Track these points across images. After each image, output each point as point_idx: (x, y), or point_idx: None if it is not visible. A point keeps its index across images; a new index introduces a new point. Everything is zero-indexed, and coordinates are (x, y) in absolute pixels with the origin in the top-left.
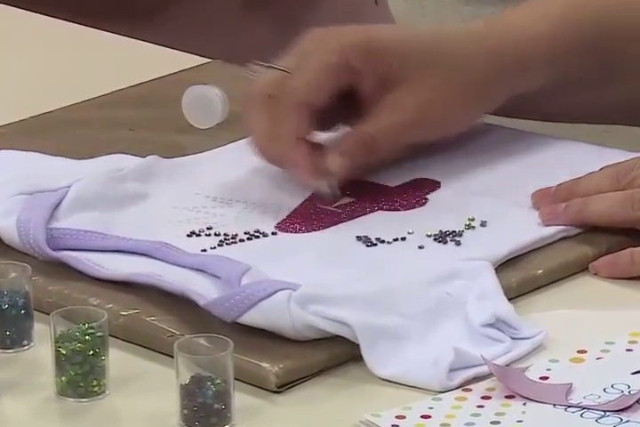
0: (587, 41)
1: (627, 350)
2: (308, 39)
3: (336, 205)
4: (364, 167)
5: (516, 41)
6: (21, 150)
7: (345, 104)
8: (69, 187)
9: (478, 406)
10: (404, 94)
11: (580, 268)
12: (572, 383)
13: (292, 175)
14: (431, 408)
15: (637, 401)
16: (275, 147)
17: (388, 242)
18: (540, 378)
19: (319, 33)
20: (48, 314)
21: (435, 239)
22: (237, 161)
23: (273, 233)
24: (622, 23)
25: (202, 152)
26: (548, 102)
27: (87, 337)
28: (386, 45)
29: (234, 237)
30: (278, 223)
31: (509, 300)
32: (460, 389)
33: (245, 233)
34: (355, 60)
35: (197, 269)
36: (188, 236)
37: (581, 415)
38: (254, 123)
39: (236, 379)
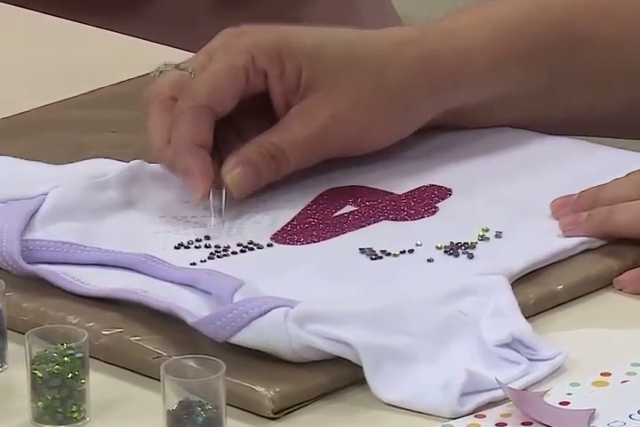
0: (531, 52)
1: None
2: (218, 38)
3: (338, 214)
4: (263, 183)
5: (449, 50)
6: None
7: (257, 114)
8: (46, 194)
9: None
10: (317, 103)
11: (604, 283)
12: (594, 409)
13: (184, 186)
14: None
15: None
16: (168, 154)
17: (395, 255)
18: (560, 403)
19: (231, 32)
20: (23, 333)
21: (445, 252)
22: None
23: (268, 245)
24: (584, 29)
25: None
26: (490, 116)
27: (66, 359)
28: (298, 47)
29: (226, 249)
30: (274, 234)
31: (527, 318)
32: (472, 415)
33: (238, 245)
34: (262, 61)
35: (186, 285)
36: (175, 248)
37: None
38: (152, 126)
39: (228, 404)
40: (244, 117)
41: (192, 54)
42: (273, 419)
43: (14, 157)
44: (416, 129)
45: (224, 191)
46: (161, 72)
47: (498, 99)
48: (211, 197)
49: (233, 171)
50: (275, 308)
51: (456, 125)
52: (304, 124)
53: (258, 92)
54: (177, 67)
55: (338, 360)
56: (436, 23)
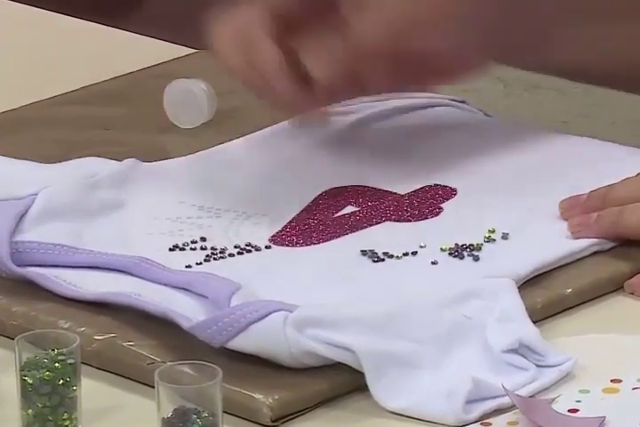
0: None
1: None
2: None
3: (338, 215)
4: (355, 83)
5: None
6: None
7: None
8: (36, 195)
9: None
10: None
11: (615, 286)
12: (604, 417)
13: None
14: None
15: None
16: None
17: (397, 257)
18: (569, 411)
19: None
20: (12, 339)
21: (450, 254)
22: (226, 165)
23: (267, 247)
24: None
25: (186, 155)
26: (558, 36)
27: (57, 365)
28: None
29: (222, 251)
30: (273, 236)
31: (534, 322)
32: (478, 423)
33: (235, 247)
34: None
35: (181, 288)
36: (170, 250)
37: None
38: (221, 37)
39: (224, 412)
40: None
41: (189, 49)
42: None
43: (2, 156)
44: (486, 61)
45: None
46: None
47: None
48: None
49: (319, 65)
50: (273, 312)
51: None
52: (376, 13)
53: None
54: None
55: (338, 366)
56: None
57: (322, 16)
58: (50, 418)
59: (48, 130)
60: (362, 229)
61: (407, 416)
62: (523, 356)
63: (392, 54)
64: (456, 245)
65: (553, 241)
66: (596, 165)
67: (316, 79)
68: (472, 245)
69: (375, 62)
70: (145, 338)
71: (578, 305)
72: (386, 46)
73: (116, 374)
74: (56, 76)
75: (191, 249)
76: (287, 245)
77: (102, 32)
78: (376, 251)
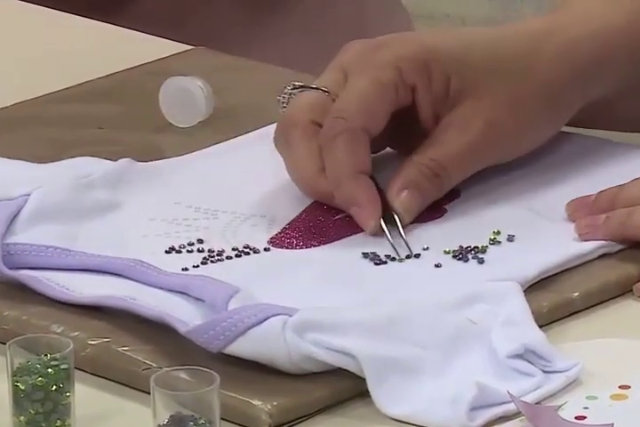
0: None
1: None
2: (348, 53)
3: (339, 216)
4: (430, 202)
5: (587, 35)
6: None
7: (392, 124)
8: (28, 195)
9: None
10: (469, 111)
11: (623, 290)
12: (612, 424)
13: (354, 218)
14: None
15: None
16: (325, 184)
17: (400, 259)
18: (576, 418)
19: (362, 45)
20: (4, 344)
21: (454, 256)
22: (224, 165)
23: (265, 249)
24: None
25: (183, 155)
26: (625, 106)
27: (49, 370)
28: (443, 54)
29: (220, 253)
30: (272, 238)
31: (540, 327)
32: None
33: (233, 249)
34: (410, 74)
35: (177, 292)
36: (166, 252)
37: None
38: (299, 154)
39: (222, 419)
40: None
41: (185, 46)
42: None
43: None
44: (563, 125)
45: (397, 218)
46: (290, 94)
47: (632, 90)
48: (384, 226)
49: (400, 196)
50: (272, 316)
51: (585, 125)
52: (460, 135)
53: (404, 107)
54: (308, 86)
55: (339, 372)
56: (567, 8)
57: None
58: (43, 425)
59: (40, 129)
60: (363, 231)
61: (410, 423)
62: (528, 361)
63: (469, 173)
64: (460, 247)
65: (560, 243)
66: (605, 165)
67: (395, 208)
68: (477, 247)
69: (452, 182)
70: (140, 343)
71: (585, 309)
72: (467, 170)
73: (111, 379)
74: (48, 74)
75: (188, 251)
76: (286, 248)
77: (96, 28)
78: (378, 253)
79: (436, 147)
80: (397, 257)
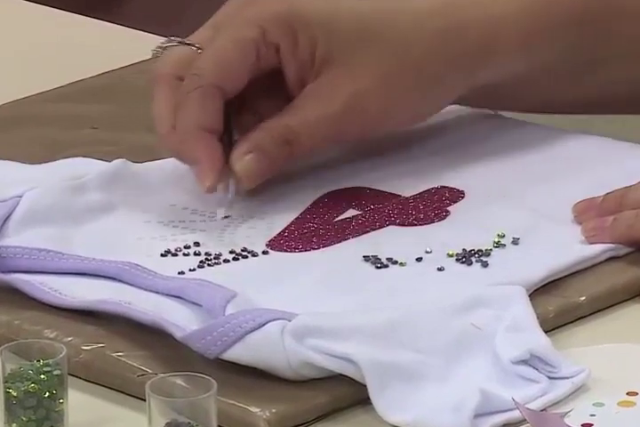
0: (568, 22)
1: None
2: (225, 7)
3: (339, 218)
4: (277, 170)
5: (478, 21)
6: None
7: (274, 93)
8: (20, 197)
9: None
10: (334, 80)
11: (631, 294)
12: None
13: (192, 174)
14: None
15: None
16: (174, 140)
17: (402, 263)
18: (583, 425)
19: (235, 2)
20: None
21: (457, 260)
22: None
23: (264, 252)
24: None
25: None
26: (522, 96)
27: (42, 376)
28: (311, 17)
29: (217, 256)
30: (270, 240)
31: (546, 332)
32: None
33: (231, 252)
34: (273, 34)
35: (173, 296)
36: (162, 255)
37: None
38: (156, 108)
39: (219, 426)
40: (258, 97)
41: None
42: None
43: None
44: (442, 108)
45: (231, 181)
46: (164, 48)
47: (530, 76)
48: (219, 188)
49: (243, 158)
50: (271, 321)
51: (483, 106)
52: (321, 105)
53: (270, 68)
54: (182, 42)
55: (339, 378)
56: None
57: (269, 96)
58: None
59: (32, 128)
60: (364, 233)
61: None
62: (534, 367)
63: (328, 144)
64: (464, 250)
65: (566, 246)
66: (613, 165)
67: (235, 170)
68: (480, 250)
69: (303, 151)
70: (135, 348)
71: (592, 314)
72: (322, 141)
73: (105, 386)
74: (40, 73)
75: (184, 255)
76: (285, 251)
77: (89, 25)
78: (379, 256)
79: (293, 114)
80: (216, 217)
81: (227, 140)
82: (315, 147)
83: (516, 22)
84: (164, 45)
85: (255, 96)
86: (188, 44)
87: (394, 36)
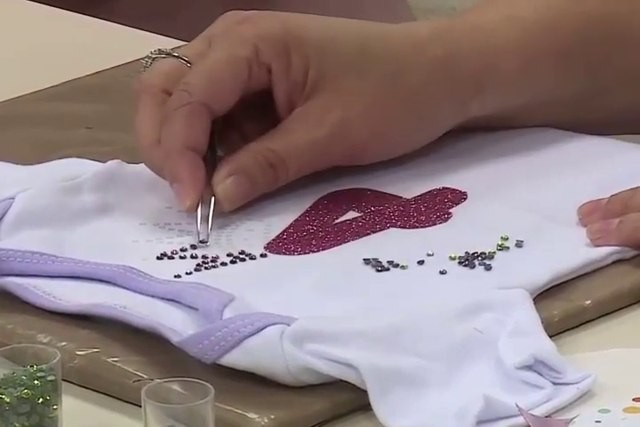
0: (569, 50)
1: None
2: (219, 22)
3: (339, 221)
4: (258, 193)
5: (478, 49)
6: None
7: (260, 113)
8: (13, 199)
9: None
10: (324, 105)
11: (637, 298)
12: None
13: (173, 192)
14: None
15: None
16: (156, 155)
17: (403, 266)
18: None
19: (233, 16)
20: None
21: (460, 263)
22: None
23: (262, 255)
24: (625, 22)
25: None
26: (517, 123)
27: (36, 382)
28: (306, 39)
29: (214, 259)
30: (268, 243)
31: (551, 337)
32: None
33: (228, 255)
34: (266, 54)
35: (170, 300)
36: (158, 258)
37: None
38: (140, 121)
39: None
40: (246, 117)
41: (177, 42)
42: None
43: None
44: (433, 139)
45: (212, 201)
46: (153, 59)
47: (529, 106)
48: (199, 208)
49: (225, 181)
50: (269, 325)
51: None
52: (308, 130)
53: (260, 88)
54: (171, 54)
55: (339, 384)
56: (461, 18)
57: (256, 115)
58: None
59: (26, 128)
60: (365, 235)
61: None
62: (538, 373)
63: (312, 169)
64: (466, 253)
65: (571, 249)
66: (618, 167)
67: (216, 192)
68: (484, 253)
69: (288, 176)
70: (131, 353)
71: (598, 318)
72: (306, 166)
73: (100, 392)
74: (33, 71)
75: (180, 258)
76: (284, 254)
77: (84, 23)
78: (380, 259)
79: (280, 138)
80: (196, 242)
81: (210, 158)
82: (299, 172)
83: (516, 50)
84: (153, 56)
85: (242, 115)
86: (178, 57)
87: (388, 62)
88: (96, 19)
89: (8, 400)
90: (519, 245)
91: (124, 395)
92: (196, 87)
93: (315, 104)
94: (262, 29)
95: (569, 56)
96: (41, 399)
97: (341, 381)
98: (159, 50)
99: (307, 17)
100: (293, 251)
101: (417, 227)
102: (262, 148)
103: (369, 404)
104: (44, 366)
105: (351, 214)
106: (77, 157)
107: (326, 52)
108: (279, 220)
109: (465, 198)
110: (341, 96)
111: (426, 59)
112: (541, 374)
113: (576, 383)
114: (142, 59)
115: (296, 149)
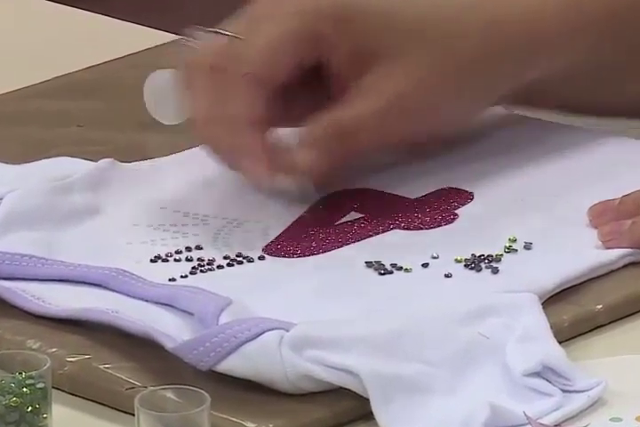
0: (609, 15)
1: None
2: (260, 2)
3: (340, 222)
4: (340, 167)
5: (519, 14)
6: None
7: (317, 88)
8: (1, 199)
9: None
10: (384, 75)
11: None
12: None
13: (241, 170)
14: None
15: None
16: (218, 131)
17: (407, 269)
18: None
19: None
20: None
21: (466, 266)
22: (214, 166)
23: (260, 257)
24: None
25: (169, 155)
26: (562, 95)
27: (25, 389)
28: (364, 11)
29: (210, 262)
30: (267, 245)
31: (560, 342)
32: None
33: (225, 258)
34: (323, 27)
35: (164, 304)
36: (152, 261)
37: None
38: (194, 100)
39: None
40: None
41: (173, 35)
42: None
43: None
44: (484, 109)
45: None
46: (196, 40)
47: (572, 72)
48: (278, 181)
49: (304, 153)
50: (267, 331)
51: (524, 104)
52: (369, 101)
53: (313, 61)
54: (217, 31)
55: (340, 392)
56: None
57: (312, 89)
58: None
59: (14, 127)
60: (367, 237)
61: None
62: (547, 380)
63: (380, 142)
64: (473, 255)
65: (581, 251)
66: (631, 166)
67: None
68: (490, 255)
69: (360, 147)
70: (123, 360)
71: (609, 323)
72: (375, 137)
73: (91, 400)
74: (21, 67)
75: (175, 260)
76: (283, 256)
77: (74, 16)
78: (383, 262)
79: (344, 108)
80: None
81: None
82: (369, 143)
83: (555, 16)
84: (194, 33)
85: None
86: (226, 34)
87: (442, 32)
88: (86, 11)
89: None
90: (527, 247)
91: (116, 403)
92: (252, 60)
93: (373, 76)
94: (319, 1)
95: (610, 20)
96: (30, 408)
97: (342, 388)
98: (202, 28)
99: None
100: (293, 253)
101: (421, 228)
102: (331, 119)
103: (371, 412)
104: (33, 373)
105: (353, 215)
106: (67, 155)
107: (384, 22)
108: (278, 221)
109: (471, 199)
110: (399, 66)
111: (478, 25)
112: (550, 382)
113: (586, 391)
114: (184, 38)
115: (360, 118)
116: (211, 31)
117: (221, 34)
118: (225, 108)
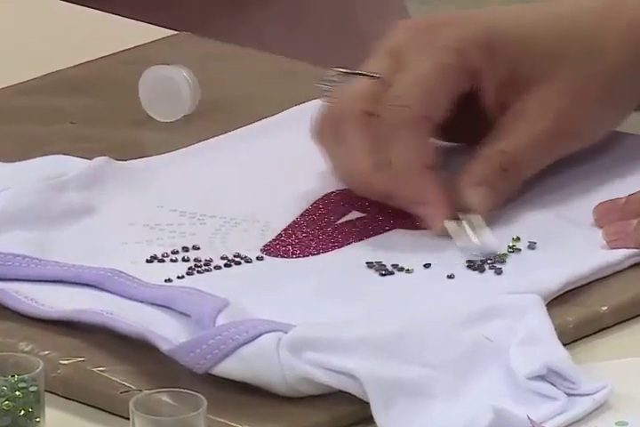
0: None
1: None
2: (398, 36)
3: (341, 221)
4: (499, 202)
5: None
6: None
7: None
8: None
9: None
10: (539, 99)
11: None
12: None
13: (421, 216)
14: None
15: None
16: (388, 179)
17: (408, 270)
18: None
19: (414, 27)
20: None
21: (468, 266)
22: (211, 164)
23: (258, 258)
24: None
25: (165, 152)
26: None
27: (17, 393)
28: (508, 36)
29: (207, 263)
30: (265, 245)
31: (565, 345)
32: None
33: (223, 258)
34: (473, 57)
35: (160, 305)
36: (148, 261)
37: None
38: (353, 149)
39: None
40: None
41: (169, 31)
42: None
43: None
44: (625, 118)
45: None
46: (334, 82)
47: None
48: (454, 225)
49: (471, 193)
50: (265, 333)
51: None
52: (532, 125)
53: (465, 92)
54: (357, 73)
55: (340, 395)
56: None
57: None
58: None
59: (5, 124)
60: (368, 237)
61: None
62: (551, 383)
63: (540, 167)
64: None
65: (586, 252)
66: (637, 164)
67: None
68: (494, 256)
69: (524, 175)
70: (118, 363)
71: (615, 325)
72: (537, 164)
73: (85, 403)
74: (14, 63)
75: (172, 261)
76: (282, 256)
77: (68, 11)
78: (384, 263)
79: (506, 138)
80: (488, 258)
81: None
82: (529, 171)
83: None
84: (332, 79)
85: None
86: (366, 75)
87: (584, 43)
88: (80, 7)
89: None
90: (532, 247)
91: (110, 407)
92: (411, 100)
93: (530, 99)
94: (464, 32)
95: None
96: (23, 411)
97: (341, 392)
98: (337, 70)
99: (494, 12)
100: (292, 254)
101: (423, 228)
102: (493, 152)
103: (371, 416)
104: (26, 377)
105: (353, 215)
106: (61, 153)
107: (529, 45)
108: (277, 220)
109: None
110: (552, 86)
111: (616, 30)
112: (555, 385)
113: (592, 394)
114: (320, 82)
115: (523, 147)
116: (349, 72)
117: (361, 75)
118: (389, 155)
